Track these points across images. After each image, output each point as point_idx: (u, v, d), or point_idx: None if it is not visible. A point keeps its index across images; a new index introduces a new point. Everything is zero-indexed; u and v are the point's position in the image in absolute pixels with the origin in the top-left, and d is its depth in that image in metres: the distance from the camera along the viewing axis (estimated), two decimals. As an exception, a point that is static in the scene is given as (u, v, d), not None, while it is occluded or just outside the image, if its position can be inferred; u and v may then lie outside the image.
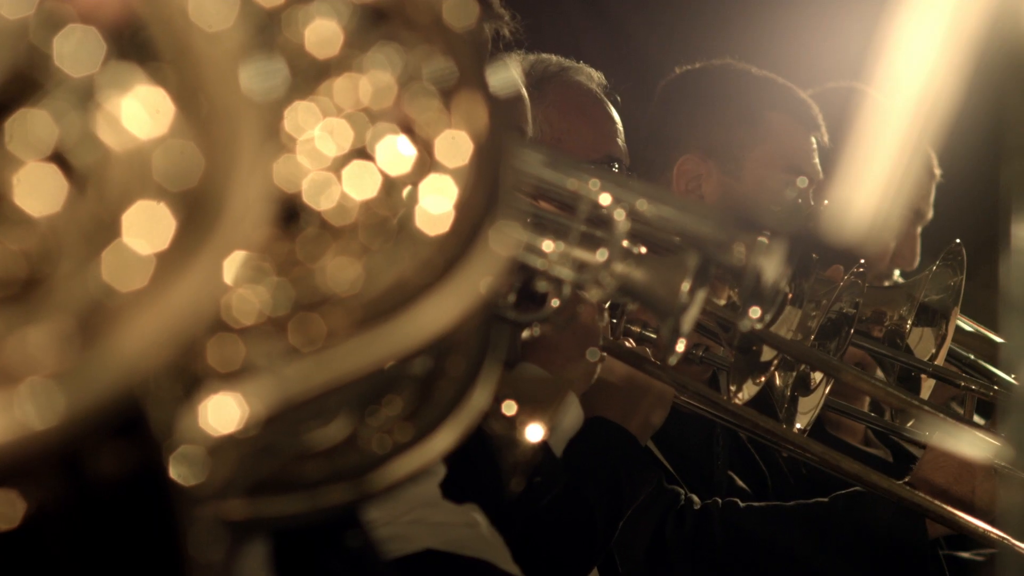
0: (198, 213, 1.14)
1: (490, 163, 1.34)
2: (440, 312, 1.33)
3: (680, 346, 2.46)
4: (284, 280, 1.39)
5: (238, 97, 1.16)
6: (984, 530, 3.52)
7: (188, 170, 1.15)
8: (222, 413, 1.36)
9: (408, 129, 1.38)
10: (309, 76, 1.36)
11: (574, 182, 2.51)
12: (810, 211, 3.94)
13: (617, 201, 2.47)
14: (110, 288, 1.12)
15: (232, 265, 1.15)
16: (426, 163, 1.38)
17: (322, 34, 1.35)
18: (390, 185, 1.38)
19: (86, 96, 1.17)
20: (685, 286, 2.39)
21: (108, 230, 1.14)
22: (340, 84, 1.37)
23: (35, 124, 1.17)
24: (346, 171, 1.39)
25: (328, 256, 1.39)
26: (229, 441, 1.38)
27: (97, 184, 1.16)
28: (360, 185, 1.39)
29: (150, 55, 1.18)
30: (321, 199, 1.39)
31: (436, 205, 1.36)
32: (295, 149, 1.39)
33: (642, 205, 2.50)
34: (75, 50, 1.17)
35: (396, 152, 1.39)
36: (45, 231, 1.15)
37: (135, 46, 1.18)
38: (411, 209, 1.36)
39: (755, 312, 2.52)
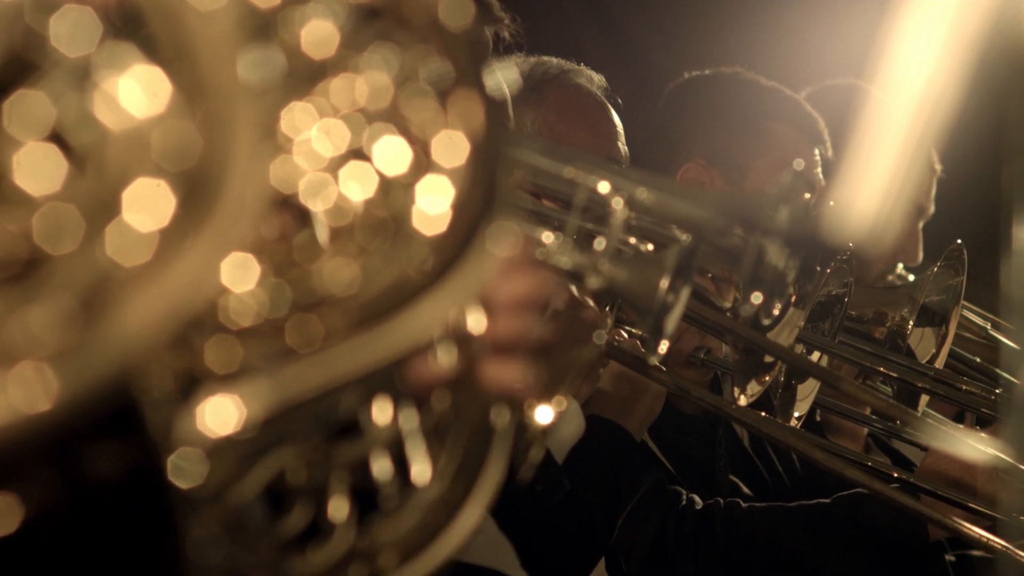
0: (198, 191, 1.14)
1: (487, 163, 1.34)
2: (437, 312, 1.33)
3: (663, 347, 2.44)
4: (281, 281, 1.38)
5: (234, 76, 1.16)
6: (987, 539, 3.52)
7: (186, 149, 1.15)
8: (220, 415, 1.36)
9: (405, 129, 1.38)
10: (305, 77, 1.36)
11: (571, 170, 2.50)
12: (809, 195, 3.95)
13: (616, 189, 2.47)
14: (113, 265, 1.12)
15: (235, 242, 1.15)
16: (423, 163, 1.37)
17: (318, 35, 1.35)
18: (387, 186, 1.38)
19: (83, 76, 1.17)
20: (664, 283, 2.37)
21: (108, 208, 1.14)
22: (336, 85, 1.37)
23: (33, 105, 1.17)
24: (343, 172, 1.39)
25: (325, 257, 1.38)
26: (227, 443, 1.38)
27: (96, 163, 1.16)
28: (357, 186, 1.39)
29: (144, 34, 1.17)
30: (318, 200, 1.39)
31: (433, 205, 1.36)
32: (292, 150, 1.38)
33: (641, 193, 2.50)
34: (71, 30, 1.17)
35: (393, 153, 1.38)
36: (45, 211, 1.15)
37: (130, 25, 1.18)
38: (408, 209, 1.36)
39: (757, 297, 2.52)
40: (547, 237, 2.43)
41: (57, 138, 1.17)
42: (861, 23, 3.57)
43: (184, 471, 1.36)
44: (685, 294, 2.42)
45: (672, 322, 2.41)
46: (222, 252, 1.14)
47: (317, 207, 1.38)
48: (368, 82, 1.36)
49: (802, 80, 4.63)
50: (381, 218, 1.37)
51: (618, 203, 2.45)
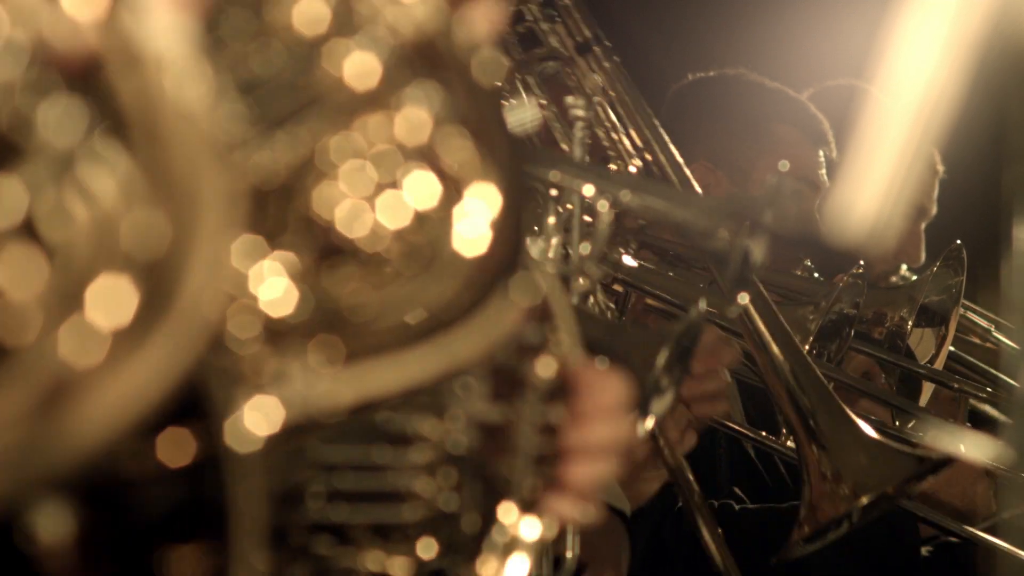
0: (159, 288, 1.12)
1: (513, 220, 1.35)
2: (469, 344, 1.33)
3: (649, 423, 2.40)
4: (316, 301, 1.39)
5: (203, 175, 1.14)
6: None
7: (152, 243, 1.12)
8: (256, 422, 1.36)
9: (437, 168, 1.39)
10: (344, 111, 1.36)
11: (556, 175, 2.51)
12: (796, 198, 3.96)
13: (600, 192, 2.47)
14: (68, 362, 1.10)
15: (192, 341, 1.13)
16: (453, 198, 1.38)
17: (359, 69, 1.35)
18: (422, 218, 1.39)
19: (64, 166, 1.13)
20: (660, 360, 2.35)
21: (71, 302, 1.11)
22: (373, 121, 1.37)
23: (7, 193, 1.12)
24: (379, 201, 1.39)
25: (361, 282, 1.39)
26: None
27: (64, 255, 1.12)
28: (393, 215, 1.40)
29: (121, 123, 1.15)
30: (354, 226, 1.40)
31: (472, 230, 1.36)
32: (336, 176, 1.39)
33: (625, 196, 2.50)
34: (60, 118, 1.13)
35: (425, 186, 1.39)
36: (11, 299, 1.11)
37: (108, 110, 1.15)
38: (447, 235, 1.36)
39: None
40: (531, 244, 2.44)
41: (28, 227, 1.12)
42: (861, 23, 3.58)
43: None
44: (678, 381, 2.40)
45: (661, 406, 2.39)
46: (178, 352, 1.12)
47: (353, 234, 1.38)
48: (405, 119, 1.36)
49: (802, 81, 4.64)
50: (416, 246, 1.38)
51: (603, 206, 2.45)
